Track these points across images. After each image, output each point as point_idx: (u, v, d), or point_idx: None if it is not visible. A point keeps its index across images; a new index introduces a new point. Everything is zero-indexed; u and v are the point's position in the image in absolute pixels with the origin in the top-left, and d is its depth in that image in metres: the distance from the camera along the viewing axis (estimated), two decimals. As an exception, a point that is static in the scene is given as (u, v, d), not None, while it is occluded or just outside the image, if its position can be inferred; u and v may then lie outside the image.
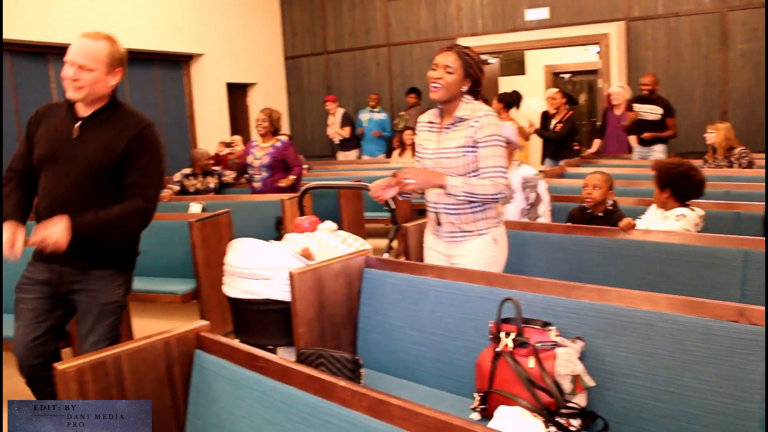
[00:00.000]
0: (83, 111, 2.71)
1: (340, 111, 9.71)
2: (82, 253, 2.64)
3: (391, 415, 1.50)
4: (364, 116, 9.67)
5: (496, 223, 2.93)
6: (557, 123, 7.39)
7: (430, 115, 2.98)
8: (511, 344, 2.18)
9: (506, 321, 2.25)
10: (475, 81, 2.85)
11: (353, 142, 9.75)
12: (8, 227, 2.57)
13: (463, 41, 9.50)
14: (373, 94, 9.83)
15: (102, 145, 2.65)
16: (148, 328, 4.82)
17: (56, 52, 7.86)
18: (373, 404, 1.53)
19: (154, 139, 2.73)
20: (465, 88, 2.83)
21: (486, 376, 2.23)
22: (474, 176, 2.80)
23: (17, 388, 3.49)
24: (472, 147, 2.78)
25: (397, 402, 1.50)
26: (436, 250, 3.00)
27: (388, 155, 9.43)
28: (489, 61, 10.39)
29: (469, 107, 2.83)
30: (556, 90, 7.68)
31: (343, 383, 1.61)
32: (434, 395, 2.48)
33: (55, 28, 7.58)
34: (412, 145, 8.33)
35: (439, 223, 2.93)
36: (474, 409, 2.26)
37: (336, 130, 9.63)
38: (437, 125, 2.92)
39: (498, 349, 2.20)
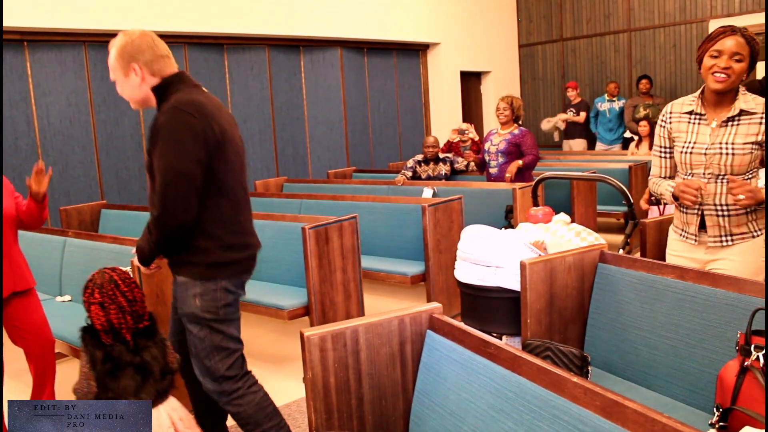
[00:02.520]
0: None
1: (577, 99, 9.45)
2: (168, 257, 2.53)
3: (625, 419, 1.44)
4: (604, 105, 9.29)
5: (765, 224, 2.66)
6: None
7: (686, 104, 2.72)
8: (762, 359, 1.99)
9: (757, 333, 2.04)
10: (753, 68, 2.58)
11: (580, 131, 9.42)
12: None
13: (715, 23, 8.73)
14: (612, 82, 9.41)
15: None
16: (377, 305, 5.10)
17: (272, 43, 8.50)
18: (607, 404, 1.48)
19: (167, 128, 2.35)
20: (745, 77, 2.57)
21: (729, 391, 2.05)
22: (751, 176, 2.60)
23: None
24: (759, 144, 2.55)
25: (632, 405, 1.43)
26: (686, 257, 2.77)
27: (624, 146, 8.99)
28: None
29: (751, 99, 2.57)
30: None
31: (575, 379, 1.58)
32: (665, 403, 2.35)
33: (305, 22, 8.19)
34: (648, 136, 7.88)
35: (702, 227, 2.69)
36: (712, 425, 2.09)
37: (564, 117, 9.36)
38: (704, 116, 2.65)
39: (746, 364, 2.01)
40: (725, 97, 2.59)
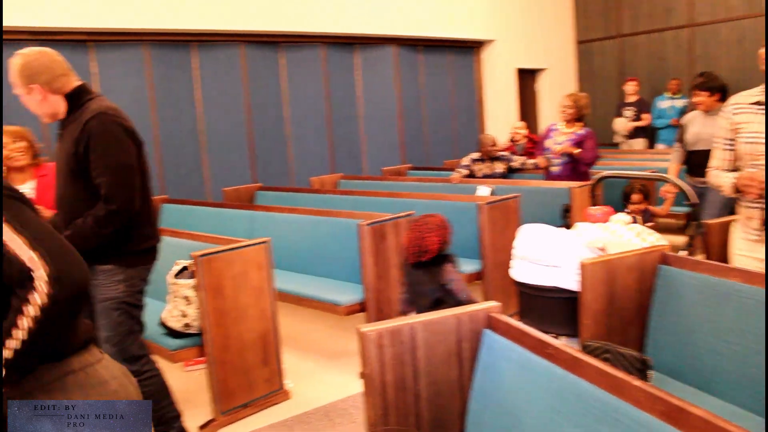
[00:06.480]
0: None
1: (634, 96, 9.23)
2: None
3: (689, 425, 1.41)
4: (665, 103, 9.05)
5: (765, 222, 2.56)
6: None
7: (752, 95, 2.65)
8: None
9: (829, 339, 1.98)
10: None
11: (640, 130, 9.21)
12: None
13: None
14: (673, 79, 9.16)
15: (66, 146, 2.67)
16: (433, 303, 5.05)
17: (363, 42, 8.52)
18: (670, 410, 1.45)
19: (102, 129, 2.59)
20: None
21: (799, 399, 1.99)
22: None
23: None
24: None
25: (697, 412, 1.40)
26: (750, 256, 2.69)
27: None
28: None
29: None
30: None
31: (636, 382, 1.55)
32: (730, 411, 2.28)
33: (362, 19, 8.23)
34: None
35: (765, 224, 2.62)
36: (781, 434, 2.04)
37: (628, 124, 9.14)
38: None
39: (817, 371, 1.95)
40: None
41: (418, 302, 3.19)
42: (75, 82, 2.75)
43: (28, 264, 1.37)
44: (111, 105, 2.70)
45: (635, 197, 4.41)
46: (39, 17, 5.94)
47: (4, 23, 5.79)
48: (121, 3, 6.34)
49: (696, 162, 4.76)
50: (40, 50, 2.72)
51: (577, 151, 5.41)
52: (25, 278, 1.36)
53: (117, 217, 2.62)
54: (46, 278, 1.36)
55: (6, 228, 1.40)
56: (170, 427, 3.00)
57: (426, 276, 3.18)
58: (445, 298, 3.11)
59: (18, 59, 2.68)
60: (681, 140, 4.89)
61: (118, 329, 2.78)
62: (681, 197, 5.69)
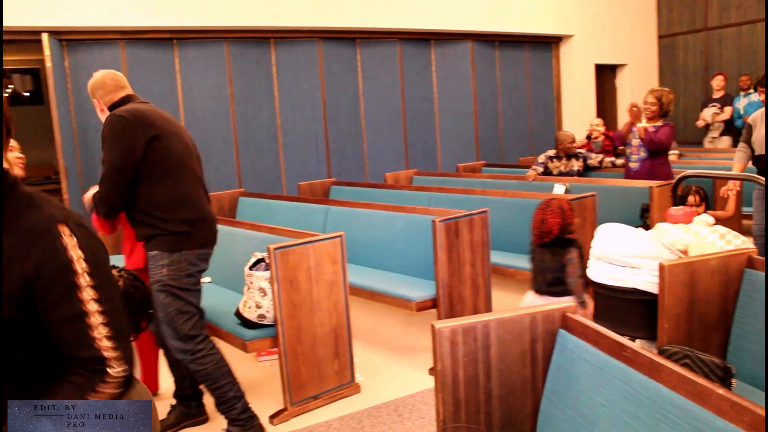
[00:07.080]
0: None
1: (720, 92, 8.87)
2: (140, 236, 3.02)
3: (777, 437, 1.35)
4: (740, 103, 8.67)
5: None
6: None
7: None
8: None
9: None
10: None
11: (726, 129, 8.83)
12: None
13: None
14: (744, 75, 8.75)
15: None
16: (505, 301, 5.03)
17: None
18: (757, 422, 1.38)
19: (109, 129, 2.85)
20: None
21: None
22: None
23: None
24: None
25: (787, 424, 1.34)
26: None
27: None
28: None
29: None
30: None
31: (720, 390, 1.49)
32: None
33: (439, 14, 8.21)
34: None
35: None
36: None
37: (713, 117, 8.80)
38: None
39: None
40: None
41: (537, 280, 3.42)
42: (121, 95, 3.04)
43: (102, 351, 1.41)
44: (130, 108, 2.92)
45: (691, 199, 4.18)
46: (127, 18, 6.18)
47: (96, 24, 6.05)
48: (203, 2, 6.53)
49: (764, 167, 4.52)
50: (105, 71, 3.10)
51: (648, 126, 5.23)
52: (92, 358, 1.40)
53: (99, 201, 2.94)
54: (120, 379, 1.43)
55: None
56: (231, 407, 3.10)
57: (548, 256, 3.38)
58: (563, 279, 3.31)
59: (91, 78, 3.08)
60: (747, 141, 4.66)
61: (166, 310, 2.97)
62: (747, 198, 5.45)
